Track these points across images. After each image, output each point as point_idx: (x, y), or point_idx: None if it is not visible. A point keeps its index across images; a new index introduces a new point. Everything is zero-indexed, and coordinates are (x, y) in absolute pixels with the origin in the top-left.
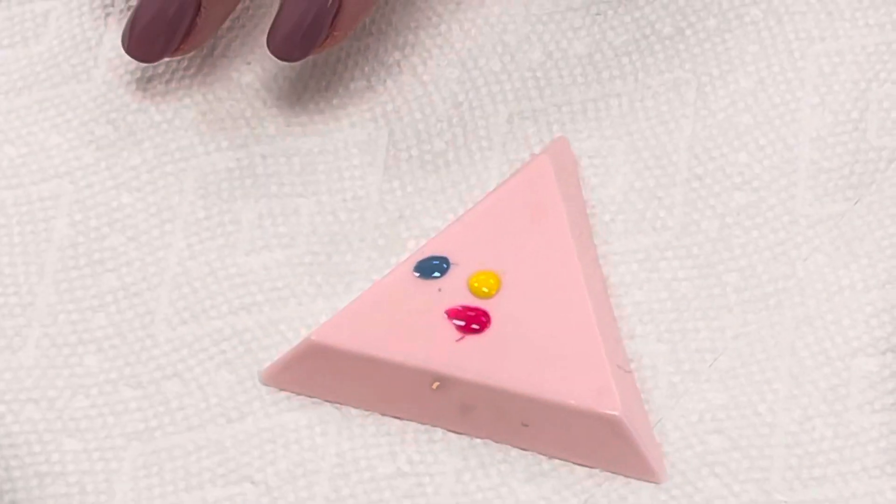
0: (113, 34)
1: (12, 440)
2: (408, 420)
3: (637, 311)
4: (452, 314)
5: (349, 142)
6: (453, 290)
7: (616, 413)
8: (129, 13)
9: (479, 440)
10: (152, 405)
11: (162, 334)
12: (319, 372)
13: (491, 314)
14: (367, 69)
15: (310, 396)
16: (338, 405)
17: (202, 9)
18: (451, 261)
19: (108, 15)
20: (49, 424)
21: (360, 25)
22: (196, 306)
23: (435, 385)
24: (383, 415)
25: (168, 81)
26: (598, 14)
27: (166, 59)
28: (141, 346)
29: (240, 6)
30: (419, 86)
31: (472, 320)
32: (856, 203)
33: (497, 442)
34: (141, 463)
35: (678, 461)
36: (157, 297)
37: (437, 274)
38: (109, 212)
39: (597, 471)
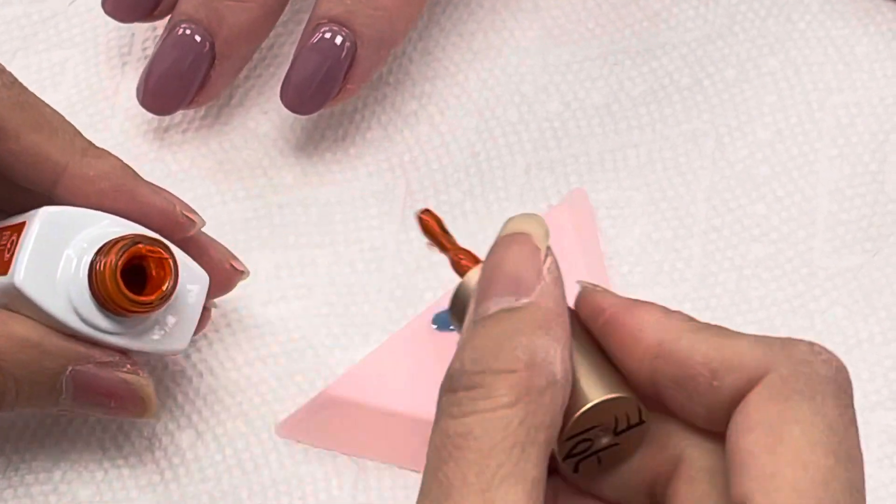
0: (130, 83)
1: (27, 490)
2: None
3: None
4: None
5: (366, 192)
6: None
7: None
8: (145, 65)
9: None
10: (167, 456)
11: (176, 384)
12: (336, 424)
13: None
14: (384, 119)
15: (326, 449)
16: (354, 458)
17: (217, 61)
18: None
19: (125, 64)
20: (64, 475)
21: (376, 75)
22: (212, 357)
23: None
24: (400, 468)
25: (185, 131)
26: (615, 64)
27: (182, 111)
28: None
29: (256, 55)
30: (436, 136)
31: None
32: (874, 255)
33: None
34: None
35: None
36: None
37: (454, 327)
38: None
39: None
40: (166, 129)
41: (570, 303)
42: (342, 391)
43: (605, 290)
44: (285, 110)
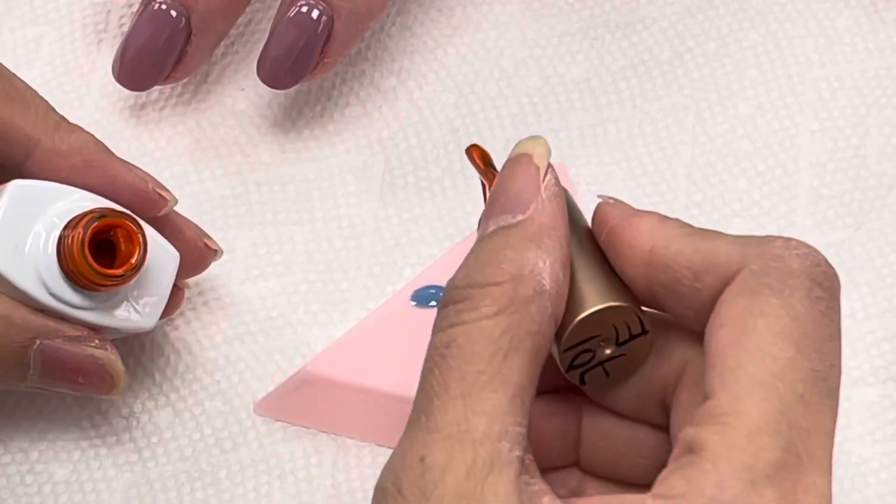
0: (106, 60)
1: (4, 470)
2: None
3: None
4: None
5: (344, 168)
6: None
7: None
8: (121, 41)
9: None
10: (145, 435)
11: (154, 363)
12: (315, 402)
13: None
14: (362, 95)
15: (305, 427)
16: (333, 435)
17: (193, 36)
18: None
19: (100, 41)
20: (41, 455)
21: (354, 50)
22: (189, 336)
23: None
24: (379, 445)
25: (162, 108)
26: (595, 39)
27: (158, 87)
28: (133, 375)
29: (233, 32)
30: (415, 111)
31: None
32: (856, 230)
33: None
34: (133, 493)
35: None
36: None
37: (433, 303)
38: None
39: None
40: (142, 107)
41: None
42: (321, 369)
43: (617, 203)
44: (262, 87)
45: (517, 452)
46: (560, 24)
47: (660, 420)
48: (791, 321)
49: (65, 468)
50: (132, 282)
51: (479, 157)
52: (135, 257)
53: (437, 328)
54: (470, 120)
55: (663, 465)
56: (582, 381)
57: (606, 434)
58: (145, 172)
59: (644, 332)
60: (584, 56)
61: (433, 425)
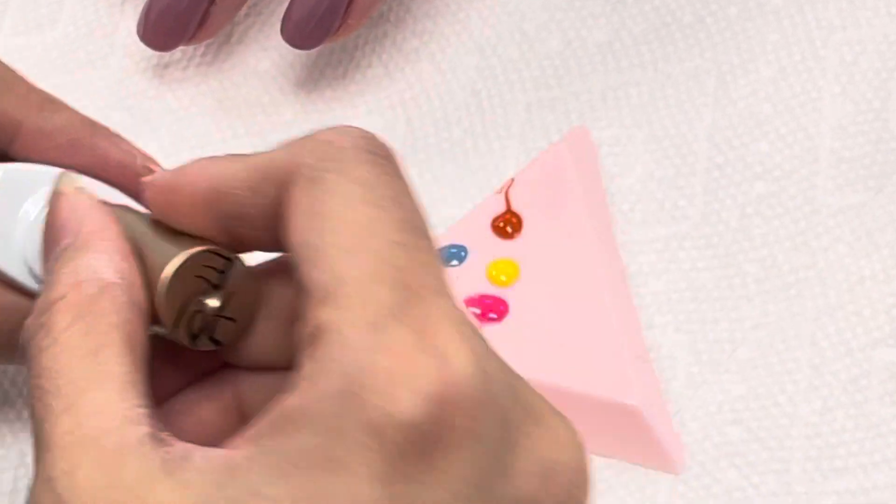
0: (129, 20)
1: (29, 433)
2: None
3: (656, 301)
4: (470, 303)
5: (366, 129)
6: (471, 278)
7: (634, 403)
8: (145, 1)
9: None
10: None
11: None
12: None
13: (509, 303)
14: (384, 56)
15: None
16: None
17: None
18: (468, 249)
19: (123, 2)
20: None
21: (377, 13)
22: None
23: None
24: None
25: (185, 68)
26: (617, 2)
27: (182, 47)
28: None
29: None
30: (437, 73)
31: (490, 309)
32: (877, 193)
33: None
34: None
35: (697, 452)
36: None
37: (454, 262)
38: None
39: (615, 461)
40: (166, 67)
41: None
42: None
43: (163, 173)
44: (285, 48)
45: (146, 429)
46: None
47: None
48: (360, 186)
49: None
50: None
51: None
52: None
53: (29, 371)
54: (492, 82)
55: None
56: (217, 343)
57: (273, 395)
58: (133, 146)
59: (228, 259)
60: (605, 19)
61: (48, 445)
